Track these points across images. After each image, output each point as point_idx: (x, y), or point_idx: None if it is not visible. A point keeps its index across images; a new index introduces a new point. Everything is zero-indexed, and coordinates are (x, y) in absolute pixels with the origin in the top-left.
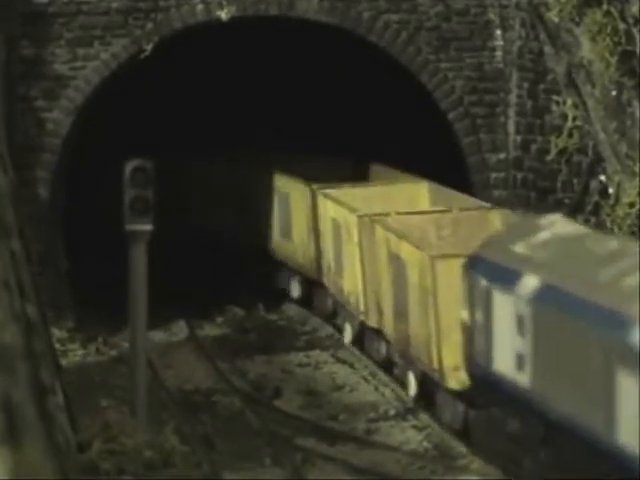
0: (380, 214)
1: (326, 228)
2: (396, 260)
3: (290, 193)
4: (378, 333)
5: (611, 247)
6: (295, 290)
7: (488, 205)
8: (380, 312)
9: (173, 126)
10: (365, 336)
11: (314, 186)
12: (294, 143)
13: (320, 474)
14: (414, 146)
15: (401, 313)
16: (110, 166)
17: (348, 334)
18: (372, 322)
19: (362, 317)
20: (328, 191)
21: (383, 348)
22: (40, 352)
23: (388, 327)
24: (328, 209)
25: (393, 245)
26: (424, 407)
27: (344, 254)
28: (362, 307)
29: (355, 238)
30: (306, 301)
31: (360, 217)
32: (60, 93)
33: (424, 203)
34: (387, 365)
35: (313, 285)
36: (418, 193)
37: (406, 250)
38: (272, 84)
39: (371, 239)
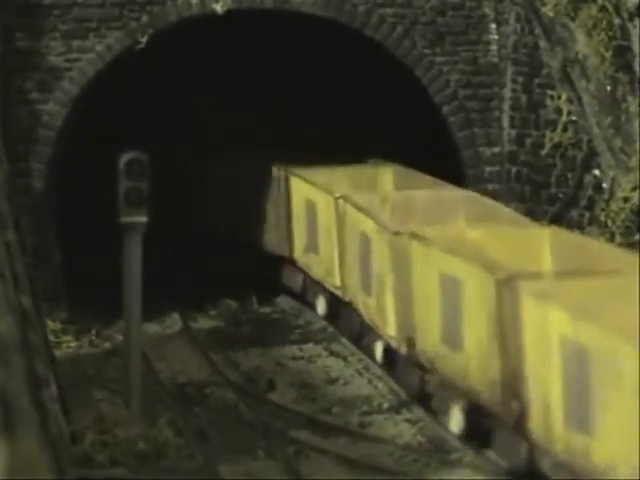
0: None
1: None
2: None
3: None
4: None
5: None
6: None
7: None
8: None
9: (166, 119)
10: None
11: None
12: (289, 137)
13: (313, 467)
14: (408, 139)
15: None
16: (104, 158)
17: (321, 306)
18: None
19: (337, 292)
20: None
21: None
22: (35, 344)
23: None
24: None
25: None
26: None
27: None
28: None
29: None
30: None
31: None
32: (55, 85)
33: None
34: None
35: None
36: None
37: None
38: (267, 78)
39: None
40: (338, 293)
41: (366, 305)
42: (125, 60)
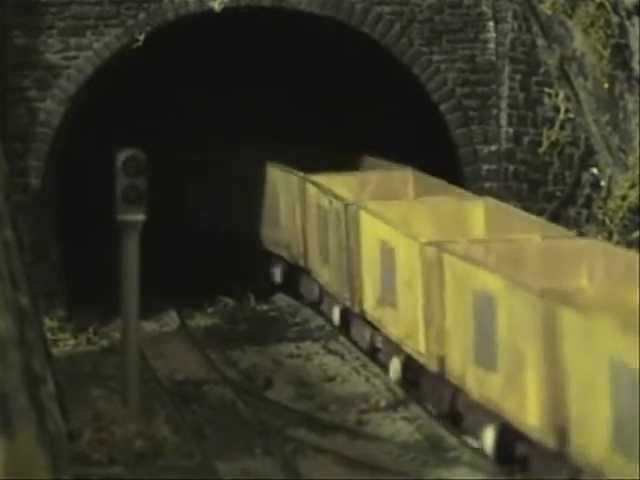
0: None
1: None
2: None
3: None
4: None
5: None
6: None
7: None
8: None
9: (165, 116)
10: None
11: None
12: (285, 133)
13: (311, 465)
14: (405, 137)
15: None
16: (102, 156)
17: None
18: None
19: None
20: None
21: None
22: (32, 341)
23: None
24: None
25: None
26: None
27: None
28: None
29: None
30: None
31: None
32: (52, 83)
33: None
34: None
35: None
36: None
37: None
38: (265, 75)
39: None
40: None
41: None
42: (123, 58)
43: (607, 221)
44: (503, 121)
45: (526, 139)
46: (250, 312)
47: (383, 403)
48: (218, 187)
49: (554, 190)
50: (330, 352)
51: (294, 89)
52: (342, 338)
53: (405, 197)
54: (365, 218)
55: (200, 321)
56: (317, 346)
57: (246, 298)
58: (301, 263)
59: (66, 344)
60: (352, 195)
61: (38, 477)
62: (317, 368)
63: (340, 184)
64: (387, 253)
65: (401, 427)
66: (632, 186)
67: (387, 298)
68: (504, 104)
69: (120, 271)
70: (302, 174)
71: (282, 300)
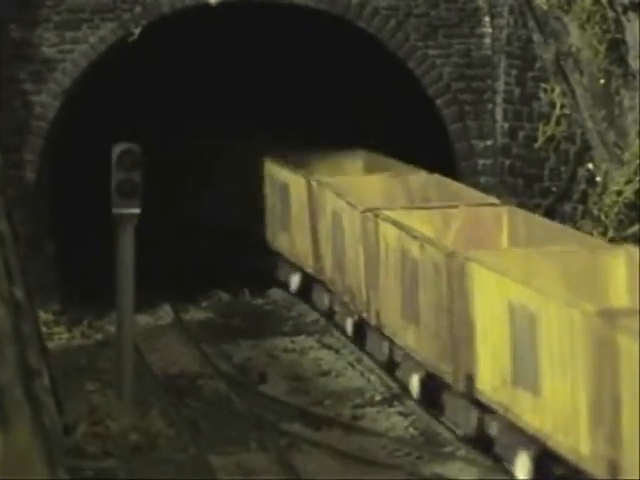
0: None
1: None
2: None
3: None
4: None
5: None
6: None
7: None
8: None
9: (159, 110)
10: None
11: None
12: (282, 128)
13: (305, 459)
14: (401, 132)
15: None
16: (97, 149)
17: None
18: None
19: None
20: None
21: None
22: (27, 335)
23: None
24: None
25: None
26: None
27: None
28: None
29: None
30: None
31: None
32: (48, 76)
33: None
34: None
35: None
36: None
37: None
38: (261, 69)
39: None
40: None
41: None
42: (118, 51)
43: (602, 216)
44: (499, 116)
45: (522, 134)
46: (245, 306)
47: (378, 398)
48: (213, 182)
49: (550, 185)
50: (325, 346)
51: (290, 83)
52: (337, 333)
53: (498, 241)
54: (479, 273)
55: (195, 315)
56: (312, 340)
57: (241, 292)
58: (370, 321)
59: (61, 337)
60: (436, 236)
61: (33, 470)
62: (312, 362)
63: (421, 221)
64: (522, 321)
65: (396, 422)
66: (628, 182)
67: (523, 379)
68: (500, 99)
69: (115, 265)
70: (369, 211)
71: (277, 294)
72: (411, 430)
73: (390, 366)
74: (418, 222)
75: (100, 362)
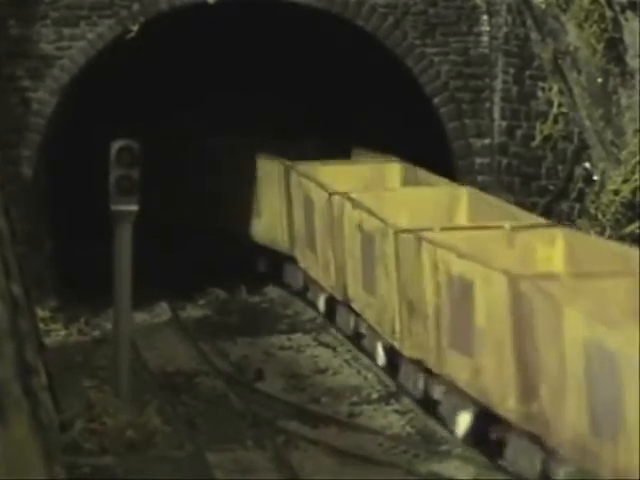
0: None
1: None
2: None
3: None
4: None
5: None
6: None
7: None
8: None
9: (157, 107)
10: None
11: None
12: (279, 125)
13: (302, 456)
14: (398, 130)
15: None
16: (95, 146)
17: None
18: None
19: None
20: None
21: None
22: (25, 331)
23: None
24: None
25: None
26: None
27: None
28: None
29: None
30: None
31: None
32: (46, 73)
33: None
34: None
35: None
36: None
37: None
38: (259, 67)
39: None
40: None
41: None
42: (117, 49)
43: (600, 215)
44: (496, 114)
45: (519, 133)
46: (242, 304)
47: (375, 395)
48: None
49: (547, 184)
50: (321, 344)
51: (289, 81)
52: (333, 330)
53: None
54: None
55: (191, 312)
56: (308, 338)
57: (237, 289)
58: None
59: (58, 334)
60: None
61: (31, 466)
62: (308, 360)
63: (465, 243)
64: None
65: (393, 420)
66: (625, 181)
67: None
68: (497, 97)
69: (112, 261)
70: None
71: (273, 292)
72: (408, 428)
73: (427, 403)
74: (462, 244)
75: (97, 359)
